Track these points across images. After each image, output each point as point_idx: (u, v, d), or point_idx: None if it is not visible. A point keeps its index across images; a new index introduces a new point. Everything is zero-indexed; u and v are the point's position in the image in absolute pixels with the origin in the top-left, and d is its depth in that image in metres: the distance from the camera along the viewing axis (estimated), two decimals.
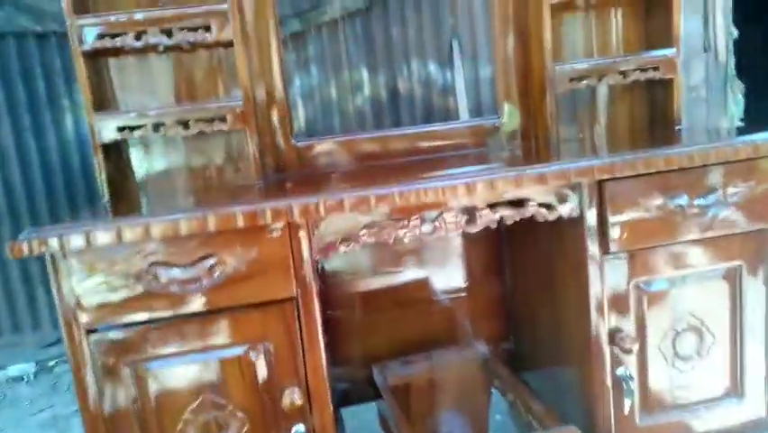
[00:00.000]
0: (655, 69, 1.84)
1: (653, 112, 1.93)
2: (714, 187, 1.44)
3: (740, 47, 4.08)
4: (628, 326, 1.49)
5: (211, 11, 1.59)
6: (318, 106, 3.63)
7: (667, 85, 1.85)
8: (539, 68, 1.82)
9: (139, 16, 1.56)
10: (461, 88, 3.72)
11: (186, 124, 1.66)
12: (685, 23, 3.90)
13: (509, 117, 1.94)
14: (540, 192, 1.37)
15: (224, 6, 1.60)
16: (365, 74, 3.66)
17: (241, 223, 1.26)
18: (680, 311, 1.51)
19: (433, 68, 3.72)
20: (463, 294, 1.97)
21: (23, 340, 3.52)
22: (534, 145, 1.85)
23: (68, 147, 3.44)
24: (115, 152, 1.74)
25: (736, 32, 3.97)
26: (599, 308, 1.46)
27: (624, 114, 1.96)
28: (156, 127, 1.64)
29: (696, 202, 1.43)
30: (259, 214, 1.25)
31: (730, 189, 1.45)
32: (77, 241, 1.23)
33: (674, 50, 1.83)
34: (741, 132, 1.59)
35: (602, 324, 1.47)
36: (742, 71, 4.14)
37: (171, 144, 1.74)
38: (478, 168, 1.52)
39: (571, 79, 1.81)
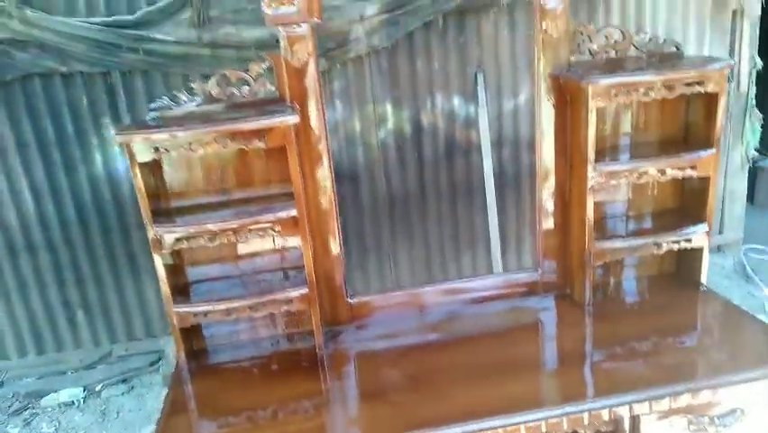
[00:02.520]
0: (688, 240, 1.93)
1: (679, 271, 2.03)
2: (735, 409, 1.59)
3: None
4: None
5: (280, 218, 1.64)
6: (342, 139, 3.64)
7: (696, 253, 1.94)
8: (579, 240, 1.89)
9: (211, 226, 1.62)
10: (484, 122, 3.71)
11: (255, 308, 1.76)
12: (711, 51, 3.86)
13: (546, 274, 2.03)
14: None
15: (293, 213, 1.65)
16: (389, 107, 3.64)
17: None
18: None
19: (457, 101, 3.69)
20: None
21: (66, 358, 3.75)
22: (568, 307, 1.91)
23: (98, 182, 3.50)
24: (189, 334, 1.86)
25: (760, 63, 3.95)
26: None
27: (652, 271, 2.05)
28: (229, 312, 1.75)
29: (717, 421, 1.58)
30: None
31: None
32: None
33: (705, 226, 1.90)
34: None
35: None
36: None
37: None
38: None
39: (610, 253, 1.90)
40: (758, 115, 3.97)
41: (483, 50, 3.57)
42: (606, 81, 1.69)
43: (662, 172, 1.81)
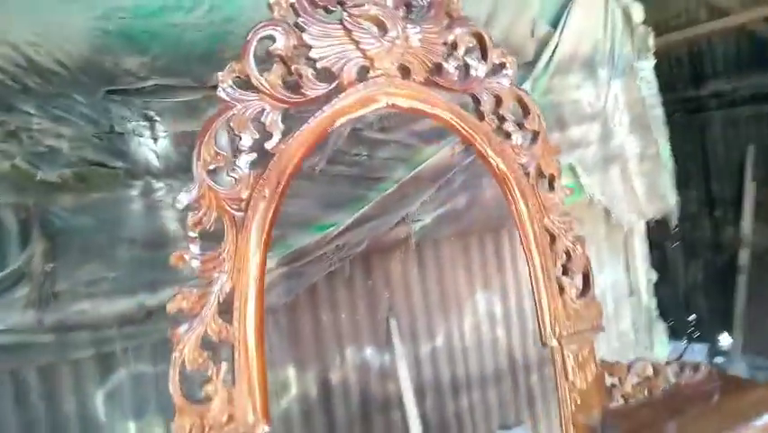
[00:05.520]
0: None
1: None
2: None
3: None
4: None
5: None
6: None
7: None
8: None
9: None
10: (403, 370, 3.19)
11: None
12: (610, 271, 3.79)
13: None
14: None
15: None
16: (291, 371, 2.99)
17: None
18: None
19: (369, 351, 3.17)
20: None
21: None
22: None
23: None
24: None
25: (655, 276, 3.96)
26: None
27: None
28: None
29: None
30: None
31: None
32: None
33: None
34: None
35: None
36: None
37: None
38: None
39: None
40: (662, 325, 3.88)
41: (393, 293, 3.11)
42: None
43: None
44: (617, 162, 3.62)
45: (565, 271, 1.29)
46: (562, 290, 1.28)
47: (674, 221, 3.63)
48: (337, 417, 3.06)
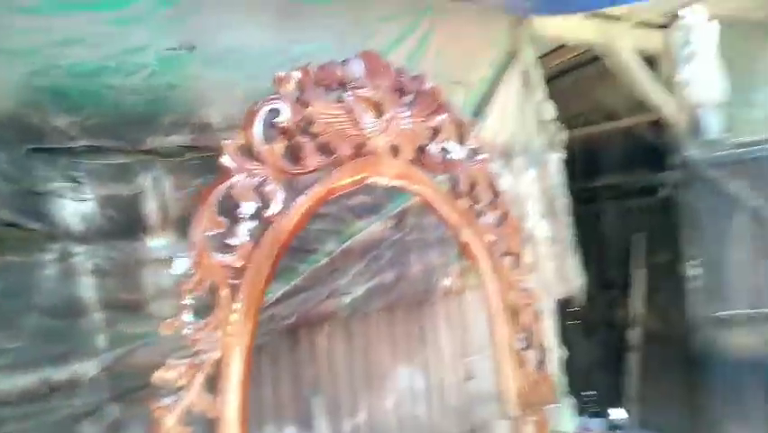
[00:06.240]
0: None
1: None
2: None
3: None
4: None
5: None
6: None
7: None
8: None
9: None
10: None
11: None
12: None
13: None
14: None
15: None
16: None
17: None
18: None
19: (291, 431, 3.02)
20: None
21: None
22: None
23: None
24: None
25: (566, 353, 4.17)
26: None
27: None
28: None
29: None
30: None
31: None
32: None
33: None
34: None
35: None
36: None
37: None
38: None
39: None
40: (571, 401, 4.05)
41: (320, 368, 3.05)
42: None
43: None
44: (529, 244, 3.86)
45: (524, 345, 1.35)
46: (522, 363, 1.34)
47: (580, 301, 3.89)
48: None
